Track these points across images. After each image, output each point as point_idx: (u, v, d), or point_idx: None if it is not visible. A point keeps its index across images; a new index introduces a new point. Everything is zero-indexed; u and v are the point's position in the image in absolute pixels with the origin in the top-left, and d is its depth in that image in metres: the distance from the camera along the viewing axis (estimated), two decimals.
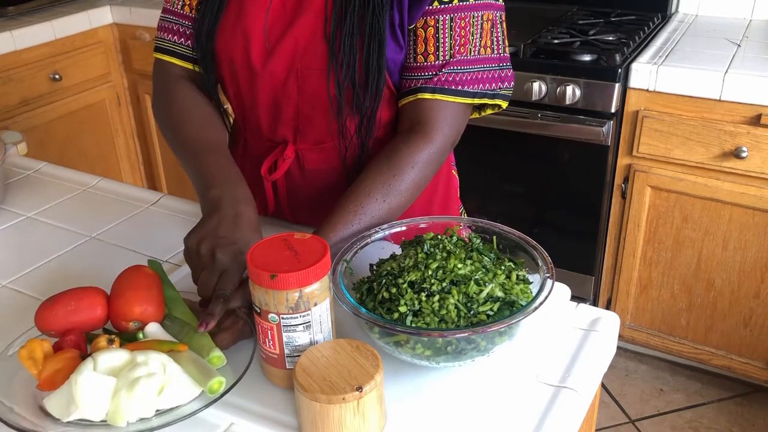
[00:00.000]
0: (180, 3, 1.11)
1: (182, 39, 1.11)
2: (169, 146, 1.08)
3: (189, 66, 1.12)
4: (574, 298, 0.95)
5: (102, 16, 2.65)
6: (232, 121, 1.20)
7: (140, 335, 0.83)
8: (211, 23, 1.06)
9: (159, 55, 1.13)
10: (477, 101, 1.04)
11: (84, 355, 0.80)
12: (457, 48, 1.00)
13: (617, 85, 1.91)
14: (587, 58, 1.97)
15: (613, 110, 1.94)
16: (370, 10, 0.96)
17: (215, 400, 0.75)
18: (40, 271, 1.07)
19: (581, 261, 2.20)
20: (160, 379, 0.75)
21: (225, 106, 1.16)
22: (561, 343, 0.87)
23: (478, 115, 1.10)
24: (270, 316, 0.76)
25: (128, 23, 2.67)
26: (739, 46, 2.04)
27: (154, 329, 0.84)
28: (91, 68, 2.65)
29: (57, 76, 2.50)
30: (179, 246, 1.12)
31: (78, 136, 2.67)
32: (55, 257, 1.10)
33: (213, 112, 1.11)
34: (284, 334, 0.77)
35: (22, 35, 2.37)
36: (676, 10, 2.40)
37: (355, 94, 1.00)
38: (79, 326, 0.83)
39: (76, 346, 0.80)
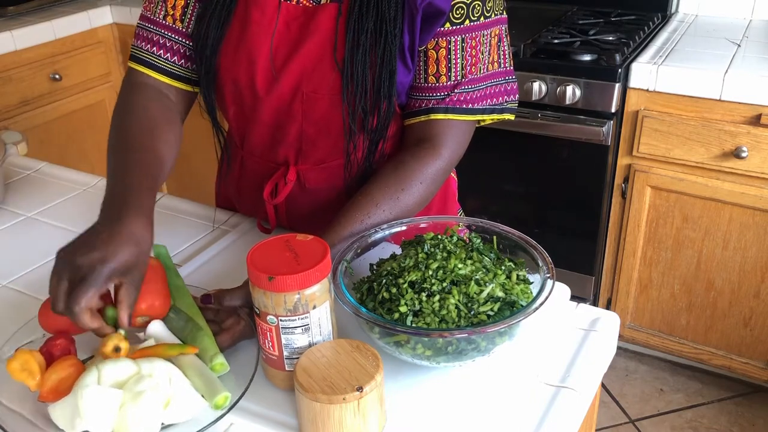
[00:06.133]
0: (162, 12, 1.04)
1: (161, 51, 1.04)
2: (108, 145, 0.98)
3: (165, 80, 1.05)
4: (574, 298, 0.95)
5: (102, 16, 2.65)
6: (224, 139, 1.15)
7: (145, 336, 0.82)
8: (216, 40, 1.01)
9: (135, 65, 1.05)
10: (487, 117, 1.04)
11: (86, 359, 0.79)
12: (469, 68, 0.99)
13: (617, 85, 1.91)
14: (587, 58, 1.97)
15: (613, 110, 1.94)
16: (383, 39, 0.94)
17: (221, 417, 0.75)
18: (40, 271, 1.07)
19: (581, 261, 2.20)
20: (167, 391, 0.74)
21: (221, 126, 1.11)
22: (561, 343, 0.87)
23: (479, 124, 1.10)
24: (268, 318, 0.76)
25: (128, 23, 2.67)
26: (739, 46, 2.03)
27: (157, 329, 0.82)
28: (91, 68, 2.65)
29: (57, 76, 2.50)
30: (179, 246, 1.13)
31: (78, 136, 2.67)
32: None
33: (165, 126, 1.01)
34: (283, 336, 0.77)
35: (22, 35, 2.37)
36: (676, 10, 2.40)
37: (365, 119, 0.99)
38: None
39: (66, 350, 0.79)
